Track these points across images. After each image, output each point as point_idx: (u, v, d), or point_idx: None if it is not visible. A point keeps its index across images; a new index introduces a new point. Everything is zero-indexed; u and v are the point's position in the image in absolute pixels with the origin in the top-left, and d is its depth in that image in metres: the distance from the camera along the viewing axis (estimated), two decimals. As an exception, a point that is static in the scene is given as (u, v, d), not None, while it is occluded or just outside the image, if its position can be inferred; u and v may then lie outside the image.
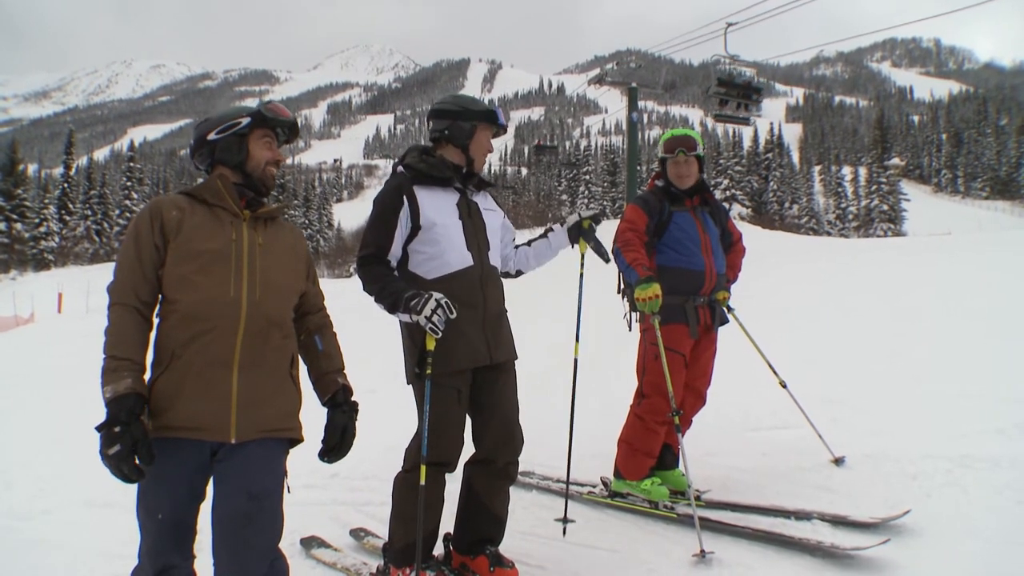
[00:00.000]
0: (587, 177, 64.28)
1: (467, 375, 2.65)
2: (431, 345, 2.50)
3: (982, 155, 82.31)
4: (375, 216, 2.67)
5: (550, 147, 40.35)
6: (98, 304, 22.70)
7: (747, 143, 70.04)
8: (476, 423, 2.76)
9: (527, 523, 3.38)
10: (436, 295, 2.43)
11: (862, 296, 7.90)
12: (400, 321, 2.65)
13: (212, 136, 2.11)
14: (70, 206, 52.44)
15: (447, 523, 2.81)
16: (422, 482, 2.49)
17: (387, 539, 2.78)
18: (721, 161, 63.29)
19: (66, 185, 52.96)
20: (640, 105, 21.17)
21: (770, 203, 63.06)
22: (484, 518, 2.77)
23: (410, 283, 2.61)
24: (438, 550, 2.85)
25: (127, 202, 55.77)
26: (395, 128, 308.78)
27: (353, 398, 2.24)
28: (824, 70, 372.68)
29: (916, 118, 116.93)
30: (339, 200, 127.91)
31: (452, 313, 2.42)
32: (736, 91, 16.92)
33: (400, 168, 2.76)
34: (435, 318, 2.39)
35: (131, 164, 59.46)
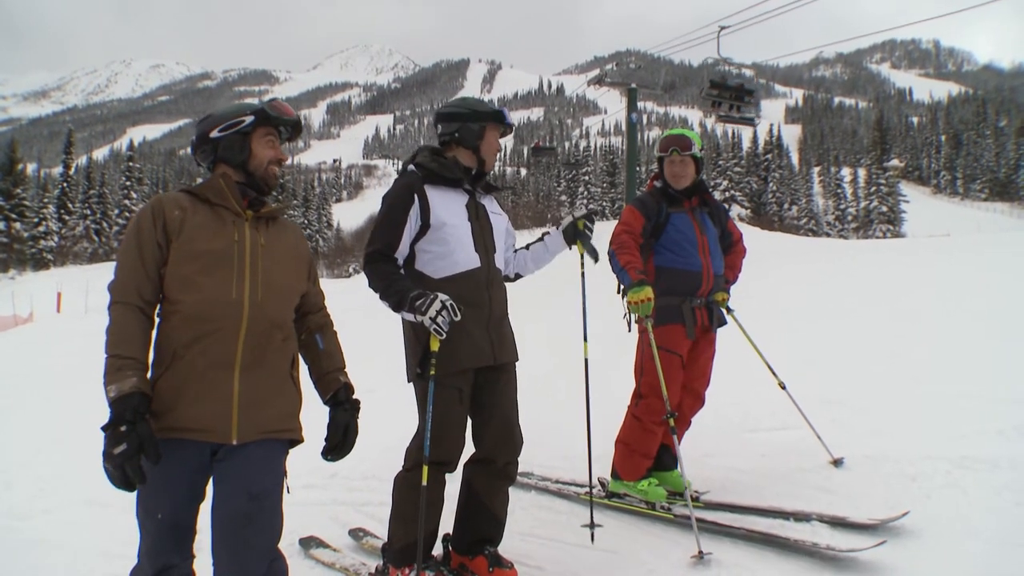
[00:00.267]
0: (586, 178, 64.25)
1: (469, 375, 2.65)
2: (435, 346, 2.50)
3: (981, 157, 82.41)
4: (384, 213, 2.67)
5: (548, 148, 40.17)
6: (97, 304, 22.71)
7: (746, 144, 70.13)
8: (476, 423, 2.77)
9: (526, 524, 3.38)
10: (441, 296, 2.42)
11: (861, 297, 7.89)
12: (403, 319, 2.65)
13: (215, 134, 2.09)
14: (69, 206, 52.43)
15: (446, 523, 2.81)
16: (424, 482, 2.49)
17: (386, 539, 2.78)
18: (720, 162, 63.37)
19: (65, 185, 52.95)
20: (639, 106, 21.13)
21: (769, 204, 63.15)
22: (483, 518, 2.78)
23: (417, 282, 2.61)
24: (437, 550, 2.85)
25: (126, 202, 55.80)
26: (394, 128, 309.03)
27: (355, 396, 2.25)
28: (823, 71, 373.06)
29: (915, 119, 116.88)
30: (338, 200, 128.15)
31: (457, 315, 2.42)
32: (728, 93, 16.91)
33: (411, 167, 2.77)
34: (440, 319, 2.39)
35: (130, 164, 59.51)
